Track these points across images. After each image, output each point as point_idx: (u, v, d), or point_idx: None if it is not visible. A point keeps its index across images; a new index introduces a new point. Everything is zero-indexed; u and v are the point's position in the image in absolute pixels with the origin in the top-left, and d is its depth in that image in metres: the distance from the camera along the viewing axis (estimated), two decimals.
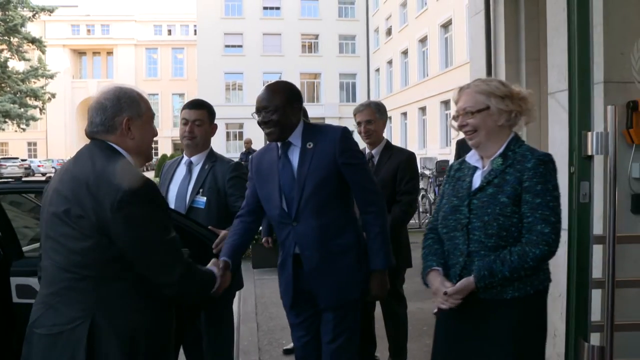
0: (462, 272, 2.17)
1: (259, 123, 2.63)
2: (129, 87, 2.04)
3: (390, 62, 35.74)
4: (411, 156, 3.69)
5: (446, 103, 24.99)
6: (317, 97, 43.81)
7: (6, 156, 43.08)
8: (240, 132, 40.23)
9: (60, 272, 1.88)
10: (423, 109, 28.59)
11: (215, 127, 3.25)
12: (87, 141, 2.02)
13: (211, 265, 2.35)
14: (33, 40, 29.60)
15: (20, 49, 30.12)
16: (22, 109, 28.90)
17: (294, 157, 2.64)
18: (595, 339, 2.65)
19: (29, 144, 55.86)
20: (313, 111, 40.31)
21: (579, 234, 2.63)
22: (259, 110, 2.62)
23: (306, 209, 2.58)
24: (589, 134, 2.59)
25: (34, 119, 29.89)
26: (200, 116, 3.13)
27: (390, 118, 33.27)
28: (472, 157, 2.30)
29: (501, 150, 2.18)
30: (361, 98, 42.02)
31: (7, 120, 28.35)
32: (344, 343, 2.66)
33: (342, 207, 2.66)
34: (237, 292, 6.14)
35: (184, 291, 2.03)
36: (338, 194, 2.63)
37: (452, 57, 25.13)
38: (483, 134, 2.19)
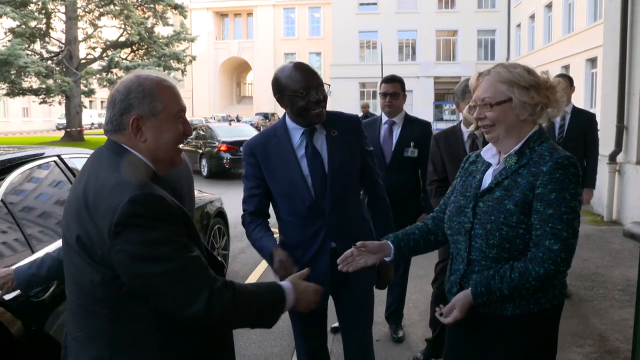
0: (461, 281, 1.99)
1: (313, 101, 2.32)
2: (149, 76, 1.64)
3: (532, 17, 33.34)
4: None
5: (592, 61, 23.00)
6: (453, 56, 42.31)
7: None
8: (374, 91, 39.86)
9: (75, 305, 1.61)
10: (566, 67, 26.38)
11: (405, 97, 4.08)
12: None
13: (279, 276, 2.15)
14: (176, 7, 31.25)
15: (165, 15, 32.05)
16: (165, 72, 31.03)
17: (321, 144, 2.44)
18: None
19: None
20: (449, 70, 39.20)
21: None
22: (317, 87, 2.33)
23: (342, 199, 2.42)
24: None
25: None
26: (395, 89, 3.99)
27: None
28: (487, 152, 2.04)
29: (518, 146, 1.91)
30: (500, 56, 39.94)
31: None
32: (369, 333, 2.65)
33: (360, 195, 2.67)
34: None
35: (222, 318, 1.54)
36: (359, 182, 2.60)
37: (601, 9, 22.89)
38: (502, 128, 1.90)
